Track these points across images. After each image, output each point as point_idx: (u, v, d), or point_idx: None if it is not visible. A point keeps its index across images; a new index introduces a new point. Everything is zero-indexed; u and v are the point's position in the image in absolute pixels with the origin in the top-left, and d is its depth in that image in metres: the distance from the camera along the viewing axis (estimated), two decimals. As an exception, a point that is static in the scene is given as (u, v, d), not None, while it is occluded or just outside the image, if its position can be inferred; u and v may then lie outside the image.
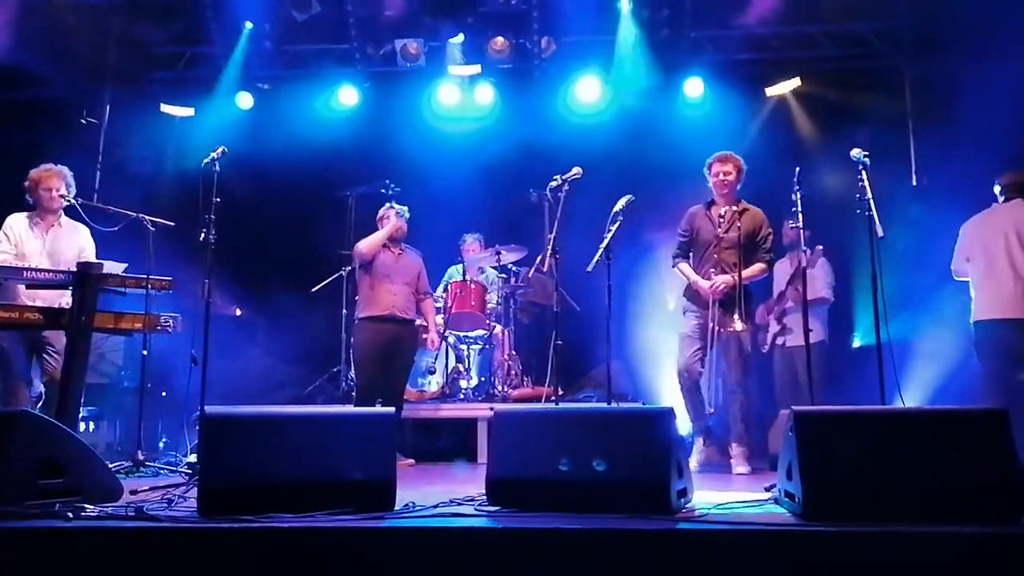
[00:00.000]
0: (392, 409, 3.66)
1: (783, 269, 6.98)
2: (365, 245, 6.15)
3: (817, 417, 3.18)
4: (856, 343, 7.51)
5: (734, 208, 5.39)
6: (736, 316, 5.18)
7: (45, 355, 5.28)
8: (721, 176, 5.42)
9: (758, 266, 5.38)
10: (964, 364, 6.40)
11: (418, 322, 6.40)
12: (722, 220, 5.37)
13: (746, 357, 5.33)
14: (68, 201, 5.39)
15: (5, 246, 5.34)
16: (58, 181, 5.42)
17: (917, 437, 3.01)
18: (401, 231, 6.25)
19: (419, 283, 6.34)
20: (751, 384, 5.37)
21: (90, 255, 5.45)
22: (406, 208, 6.27)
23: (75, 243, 5.52)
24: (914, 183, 7.46)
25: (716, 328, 5.24)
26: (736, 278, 5.22)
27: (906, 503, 2.86)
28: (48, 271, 4.95)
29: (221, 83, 8.34)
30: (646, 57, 7.96)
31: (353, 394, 6.26)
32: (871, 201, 4.39)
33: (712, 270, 5.33)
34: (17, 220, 5.45)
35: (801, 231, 4.97)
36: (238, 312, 8.38)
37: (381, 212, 6.35)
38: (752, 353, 5.39)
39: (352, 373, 7.24)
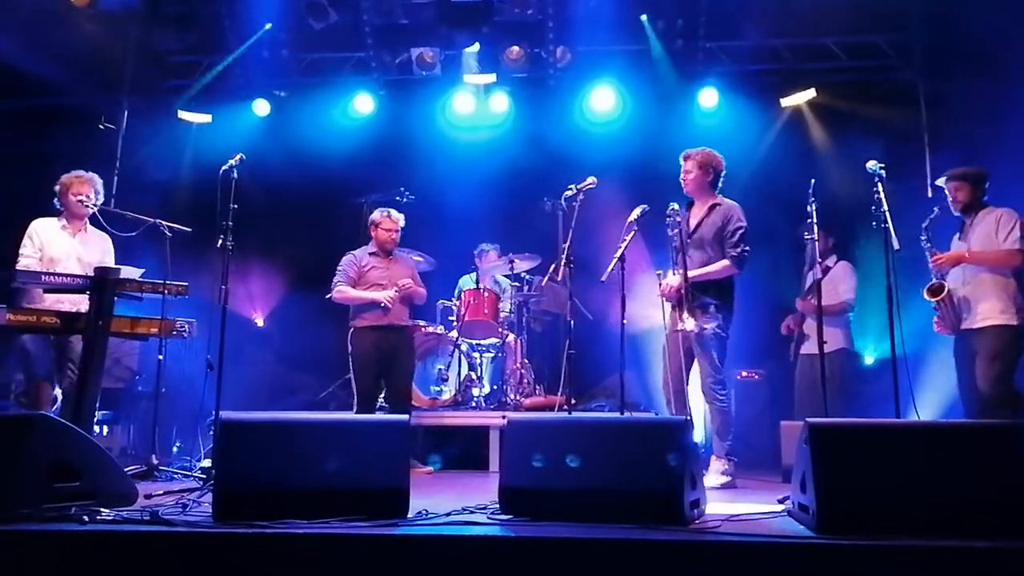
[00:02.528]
0: (406, 416, 3.67)
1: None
2: (341, 297, 6.08)
3: (831, 429, 3.17)
4: (869, 357, 7.47)
5: (706, 205, 5.27)
6: (685, 315, 4.96)
7: (68, 361, 5.32)
8: (681, 174, 5.32)
9: (719, 263, 5.12)
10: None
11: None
12: (695, 219, 5.26)
13: (710, 359, 5.07)
14: (94, 208, 5.46)
15: (29, 250, 5.40)
16: (88, 188, 5.49)
17: (933, 451, 3.00)
18: (392, 241, 6.17)
19: None
20: (726, 391, 5.18)
21: (110, 264, 5.49)
22: (402, 216, 6.21)
23: (99, 250, 5.58)
24: (929, 195, 7.41)
25: (669, 331, 5.17)
26: (683, 278, 5.00)
27: (922, 517, 2.84)
28: (66, 275, 5.00)
29: (234, 84, 8.40)
30: (664, 67, 7.98)
31: (380, 402, 6.23)
32: (887, 213, 4.39)
33: (680, 271, 5.12)
34: (45, 224, 5.51)
35: (816, 242, 4.95)
36: (260, 322, 8.43)
37: (376, 217, 6.22)
38: (721, 357, 5.11)
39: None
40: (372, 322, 6.02)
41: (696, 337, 5.07)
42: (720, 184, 5.34)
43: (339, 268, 6.19)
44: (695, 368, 5.24)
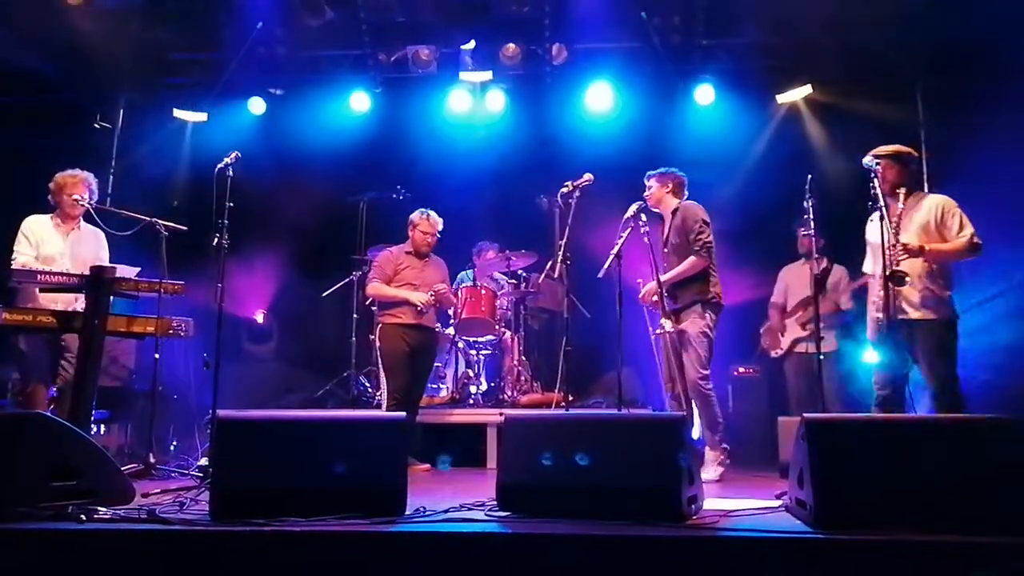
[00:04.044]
0: (403, 413, 3.67)
1: (801, 275, 6.92)
2: (375, 293, 6.07)
3: (829, 424, 3.18)
4: (869, 353, 7.48)
5: (670, 212, 5.50)
6: (663, 318, 5.18)
7: (63, 360, 5.32)
8: (644, 192, 5.58)
9: (686, 262, 5.29)
10: (978, 370, 6.37)
11: (436, 327, 6.41)
12: (666, 228, 5.52)
13: (695, 356, 5.19)
14: (87, 206, 5.46)
15: (25, 248, 5.39)
16: (83, 188, 5.50)
17: (930, 445, 3.01)
18: (428, 244, 6.14)
19: None
20: (712, 385, 5.24)
21: (104, 262, 5.49)
22: (441, 220, 6.17)
23: (93, 247, 5.57)
24: (925, 191, 7.41)
25: (654, 335, 5.33)
26: (657, 282, 5.22)
27: (919, 512, 2.85)
28: (62, 274, 5.00)
29: (232, 86, 8.39)
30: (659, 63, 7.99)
31: (378, 398, 6.18)
32: (884, 209, 4.37)
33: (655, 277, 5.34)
34: (38, 222, 5.50)
35: (813, 239, 4.94)
36: (260, 319, 8.41)
37: (415, 218, 6.16)
38: (707, 354, 5.22)
39: (364, 378, 7.28)
40: (403, 320, 5.99)
41: (680, 337, 5.25)
42: (685, 193, 5.57)
43: (375, 264, 6.18)
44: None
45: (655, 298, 5.28)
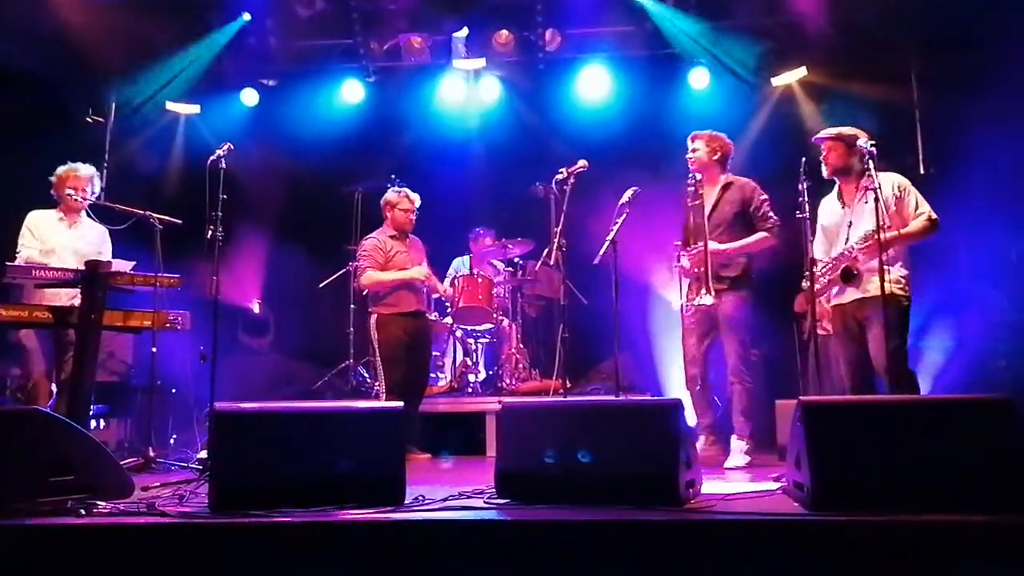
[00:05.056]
0: (401, 403, 3.66)
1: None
2: (371, 283, 5.90)
3: (825, 407, 3.19)
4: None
5: (718, 185, 5.24)
6: (703, 289, 4.92)
7: (66, 355, 5.31)
8: (688, 155, 5.29)
9: (756, 236, 5.08)
10: (975, 352, 6.39)
11: (433, 316, 6.40)
12: (710, 200, 5.20)
13: (741, 342, 5.03)
14: (90, 200, 5.46)
15: (30, 241, 5.41)
16: (83, 182, 5.51)
17: (925, 426, 3.01)
18: (410, 223, 6.05)
19: None
20: (752, 371, 5.12)
21: (107, 256, 5.49)
22: (418, 196, 6.08)
23: (95, 242, 5.57)
24: (921, 171, 7.41)
25: (687, 306, 5.09)
26: (704, 251, 4.96)
27: (915, 492, 2.85)
28: (57, 269, 4.99)
29: (225, 78, 8.35)
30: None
31: (376, 389, 6.16)
32: (879, 190, 4.36)
33: (701, 245, 5.06)
34: (42, 216, 5.52)
35: (807, 221, 4.92)
36: (256, 309, 8.41)
37: (392, 198, 6.04)
38: (751, 337, 5.09)
39: (363, 368, 7.28)
40: (402, 309, 5.88)
41: (725, 317, 5.06)
42: (728, 165, 5.34)
43: (363, 253, 5.96)
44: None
45: (701, 269, 4.96)
